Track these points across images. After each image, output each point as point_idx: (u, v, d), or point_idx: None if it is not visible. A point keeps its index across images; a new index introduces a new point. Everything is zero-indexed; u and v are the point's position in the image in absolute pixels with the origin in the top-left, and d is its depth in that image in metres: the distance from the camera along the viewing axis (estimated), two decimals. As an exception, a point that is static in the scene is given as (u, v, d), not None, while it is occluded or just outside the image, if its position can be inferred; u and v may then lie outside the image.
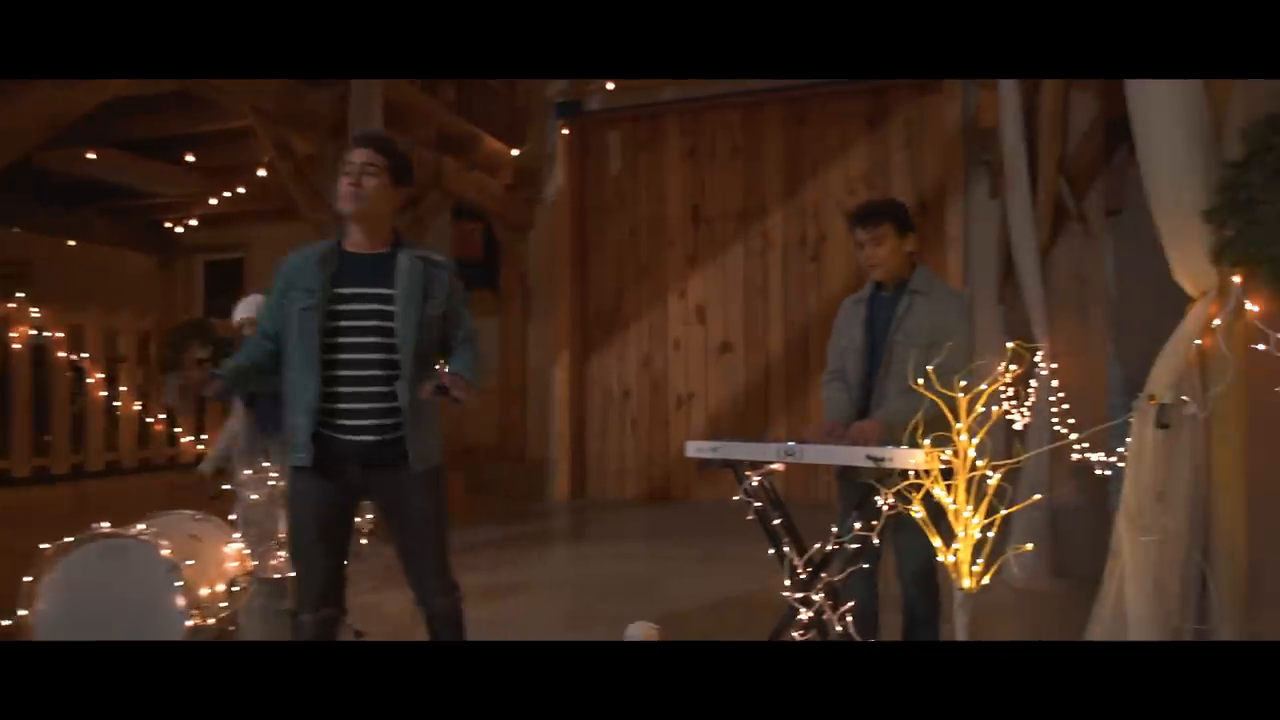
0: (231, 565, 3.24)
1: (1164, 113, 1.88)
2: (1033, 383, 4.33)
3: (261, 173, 6.70)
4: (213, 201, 7.90)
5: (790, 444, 2.51)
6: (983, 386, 2.03)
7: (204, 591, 3.01)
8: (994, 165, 7.16)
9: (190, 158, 6.66)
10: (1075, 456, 2.97)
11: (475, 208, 7.84)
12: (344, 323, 2.31)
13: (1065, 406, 3.88)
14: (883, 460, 2.25)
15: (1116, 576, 1.97)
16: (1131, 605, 1.91)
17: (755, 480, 2.61)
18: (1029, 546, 2.02)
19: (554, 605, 4.34)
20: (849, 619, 2.42)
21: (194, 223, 9.11)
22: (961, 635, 1.96)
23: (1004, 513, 1.93)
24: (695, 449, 2.72)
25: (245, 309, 3.92)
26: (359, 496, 2.52)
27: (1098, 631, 2.00)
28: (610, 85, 7.90)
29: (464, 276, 8.73)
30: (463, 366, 2.41)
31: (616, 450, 8.56)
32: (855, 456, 2.35)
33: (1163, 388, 1.95)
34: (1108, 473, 2.66)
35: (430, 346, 2.41)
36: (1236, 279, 1.88)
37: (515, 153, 7.93)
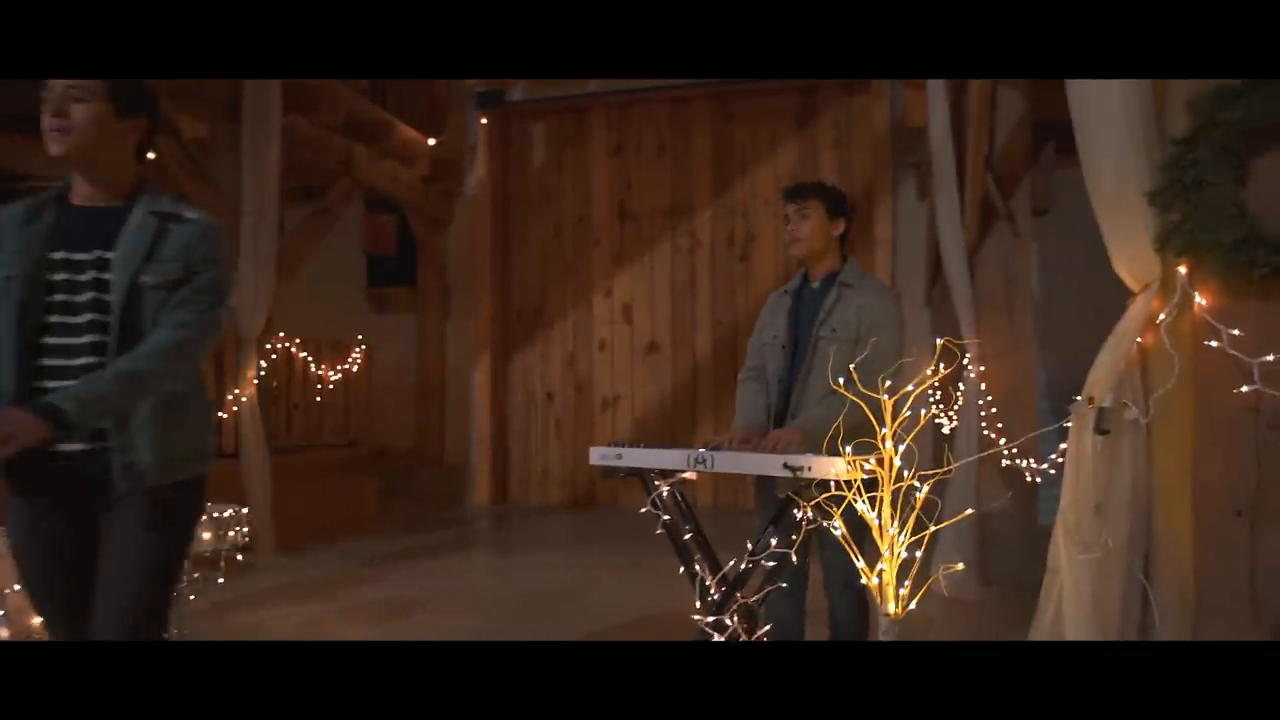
0: None
1: (1103, 88, 1.70)
2: (960, 385, 4.21)
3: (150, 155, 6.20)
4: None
5: (701, 451, 2.27)
6: (910, 388, 1.82)
7: None
8: (922, 167, 7.12)
9: None
10: (1005, 463, 2.82)
11: (389, 199, 7.44)
12: (56, 296, 1.77)
13: (994, 411, 3.76)
14: (801, 469, 2.02)
15: (1054, 596, 1.79)
16: (1070, 625, 1.73)
17: (665, 490, 2.36)
18: (959, 566, 1.82)
19: (458, 623, 4.02)
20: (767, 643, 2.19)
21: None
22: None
23: (932, 529, 1.72)
24: (600, 455, 2.46)
25: None
26: (89, 526, 1.82)
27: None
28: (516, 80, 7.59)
29: (378, 272, 8.05)
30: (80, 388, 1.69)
31: (540, 454, 8.26)
32: (772, 465, 2.12)
33: (1102, 390, 1.78)
34: (1038, 480, 2.48)
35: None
36: (1182, 269, 1.71)
37: (432, 142, 7.56)
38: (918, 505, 1.75)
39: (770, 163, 7.87)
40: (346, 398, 6.78)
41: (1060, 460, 2.21)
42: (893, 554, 1.74)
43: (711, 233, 7.93)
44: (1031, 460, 2.58)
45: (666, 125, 8.08)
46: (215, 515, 3.21)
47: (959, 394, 4.19)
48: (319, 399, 6.34)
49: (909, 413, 1.81)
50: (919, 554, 1.75)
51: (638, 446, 2.43)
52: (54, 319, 1.76)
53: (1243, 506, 1.73)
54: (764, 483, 2.44)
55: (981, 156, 4.14)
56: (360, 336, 6.98)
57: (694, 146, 8.01)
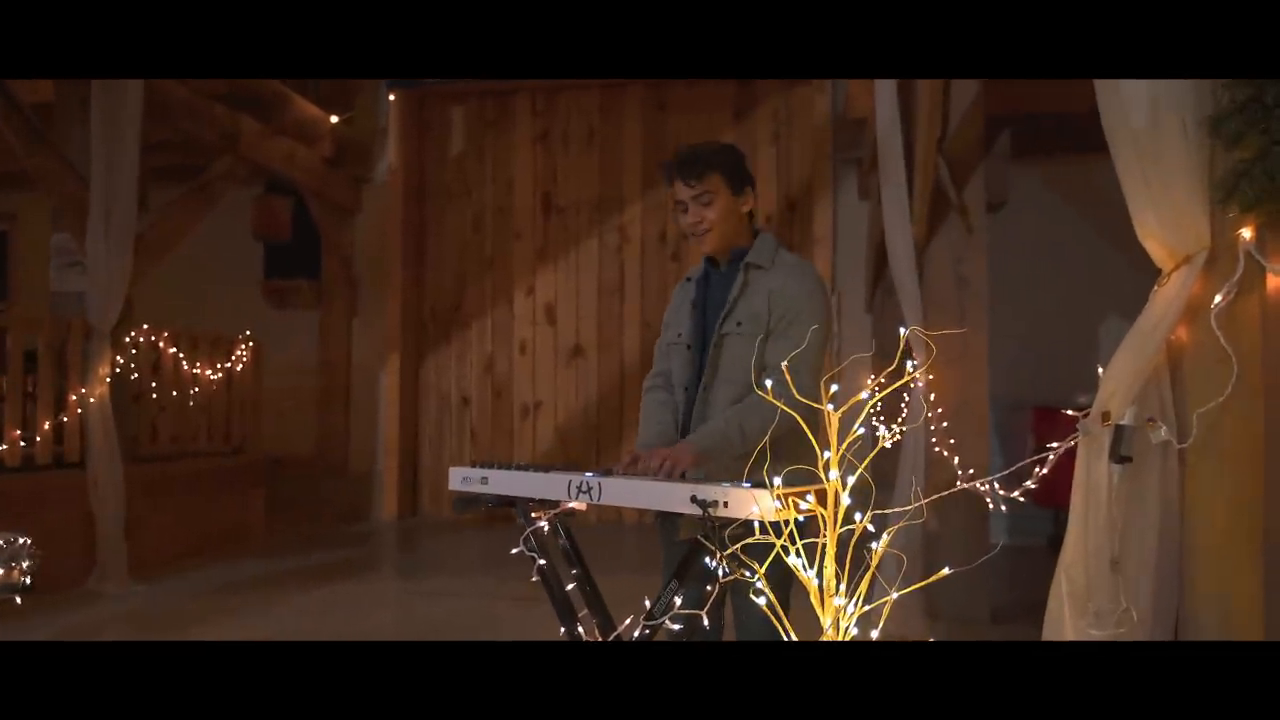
0: None
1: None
2: (905, 396, 3.76)
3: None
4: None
5: (588, 476, 1.71)
6: (864, 395, 1.31)
7: None
8: (864, 164, 6.74)
9: None
10: (959, 484, 2.36)
11: (286, 182, 6.74)
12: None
13: (945, 425, 3.31)
14: (713, 504, 1.48)
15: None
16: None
17: (544, 524, 1.80)
18: (947, 570, 1.32)
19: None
20: None
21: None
22: None
23: (894, 595, 1.21)
24: (460, 479, 1.89)
25: None
26: None
27: None
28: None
29: (277, 263, 7.22)
30: None
31: (454, 464, 7.60)
32: (675, 499, 1.58)
33: (1121, 403, 1.28)
34: (1003, 508, 2.00)
35: None
36: (1246, 232, 1.22)
37: (335, 120, 6.88)
38: (875, 561, 1.24)
39: (706, 156, 7.41)
40: (229, 400, 6.04)
41: (1033, 485, 1.74)
42: (837, 629, 1.23)
43: (642, 228, 7.44)
44: (995, 483, 2.09)
45: (596, 113, 7.56)
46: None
47: (904, 405, 3.75)
48: (192, 401, 5.59)
49: (860, 430, 1.29)
50: (857, 624, 1.24)
51: (509, 468, 1.87)
52: None
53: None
54: (665, 519, 1.90)
55: (934, 141, 3.70)
56: (248, 332, 6.25)
57: (625, 136, 7.51)
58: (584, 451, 7.31)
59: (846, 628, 1.23)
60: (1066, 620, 1.33)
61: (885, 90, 3.91)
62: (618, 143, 7.54)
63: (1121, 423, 1.31)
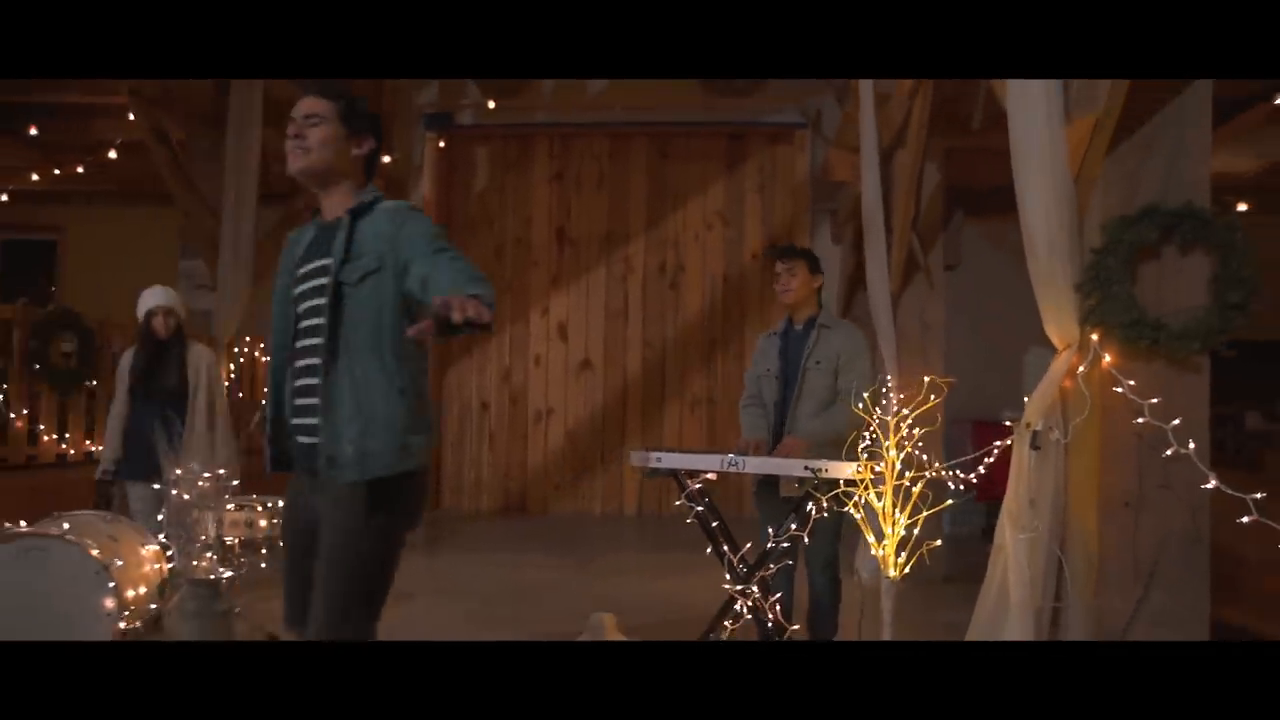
0: (151, 567, 3.15)
1: (1041, 206, 2.43)
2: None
3: (112, 154, 6.28)
4: (35, 178, 7.27)
5: (732, 456, 2.88)
6: (905, 412, 2.50)
7: (130, 594, 2.92)
8: (838, 214, 8.02)
9: (34, 131, 6.14)
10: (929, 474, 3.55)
11: (343, 212, 7.71)
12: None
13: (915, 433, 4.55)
14: (820, 470, 2.67)
15: (1000, 563, 2.49)
16: (1011, 587, 2.42)
17: (696, 487, 2.96)
18: (938, 542, 2.49)
19: (452, 608, 4.45)
20: (778, 608, 2.82)
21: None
22: (887, 615, 2.40)
23: (926, 513, 2.40)
24: (639, 459, 3.03)
25: (151, 298, 3.80)
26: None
27: (986, 605, 2.50)
28: (491, 104, 8.06)
29: None
30: (452, 279, 1.79)
31: (474, 462, 8.64)
32: (794, 468, 2.76)
33: (1035, 417, 2.50)
34: (962, 489, 3.18)
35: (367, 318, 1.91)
36: (1094, 336, 2.46)
37: (387, 159, 7.87)
38: (915, 495, 2.41)
39: (700, 200, 8.61)
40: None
41: (973, 477, 2.92)
42: (893, 532, 2.40)
43: (644, 260, 8.57)
44: (958, 472, 3.30)
45: (606, 158, 8.67)
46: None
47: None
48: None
49: (908, 428, 2.48)
50: (916, 531, 2.41)
51: (674, 452, 3.02)
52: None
53: (1130, 500, 2.50)
54: (766, 483, 3.08)
55: (909, 220, 4.96)
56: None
57: (631, 179, 8.65)
58: (590, 453, 8.41)
59: (897, 531, 2.39)
60: (1006, 530, 2.51)
61: (870, 170, 5.16)
62: (624, 185, 8.67)
63: (1036, 428, 2.52)
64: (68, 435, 4.73)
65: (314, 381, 1.94)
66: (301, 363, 2.00)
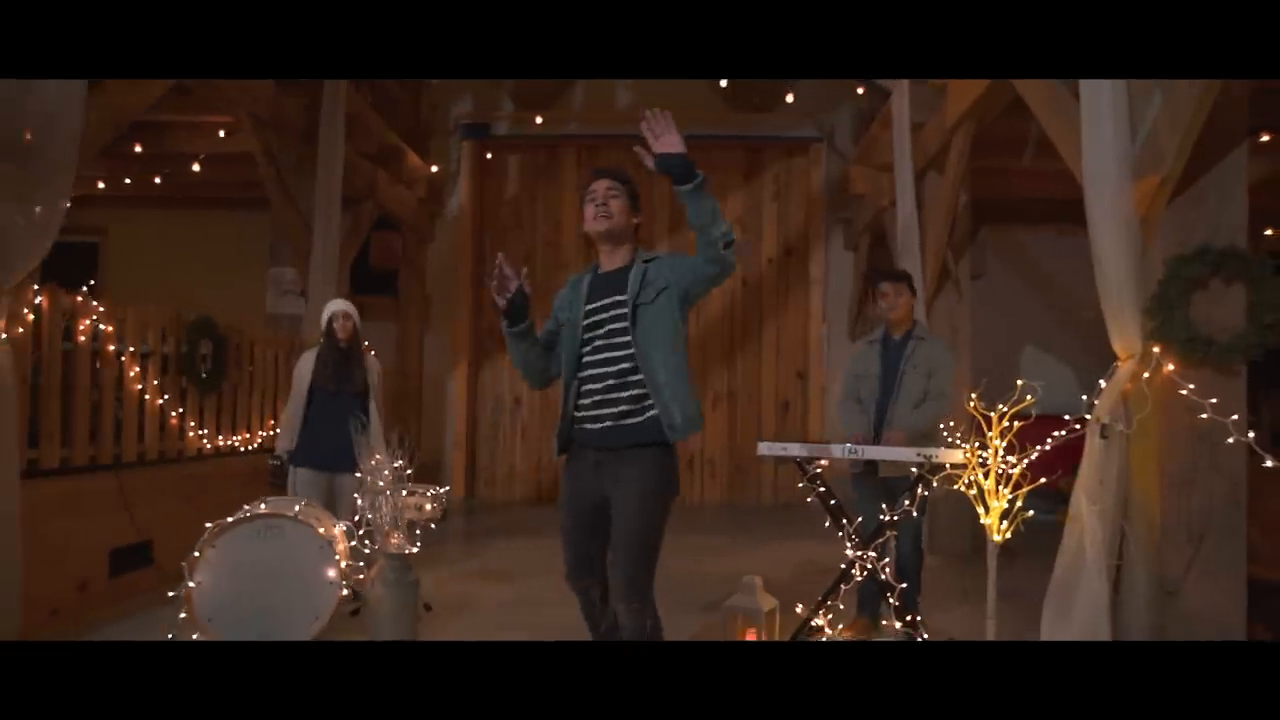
0: (344, 544, 3.63)
1: (1110, 248, 3.07)
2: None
3: (195, 167, 6.65)
4: (101, 186, 7.60)
5: (849, 445, 3.47)
6: (1002, 407, 3.10)
7: (343, 565, 3.42)
8: (854, 223, 8.66)
9: (138, 148, 6.48)
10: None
11: (392, 218, 8.15)
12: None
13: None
14: (932, 457, 3.27)
15: (1075, 531, 3.11)
16: (1087, 546, 3.04)
17: (818, 471, 3.55)
18: (1030, 513, 3.10)
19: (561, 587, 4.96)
20: (889, 569, 3.42)
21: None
22: (992, 572, 3.01)
23: (1025, 489, 3.00)
24: (767, 449, 3.60)
25: (332, 305, 4.29)
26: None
27: (1064, 562, 3.12)
28: (539, 119, 8.53)
29: (362, 282, 8.91)
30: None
31: (506, 455, 9.13)
32: (908, 455, 3.36)
33: (1104, 413, 3.13)
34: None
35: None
36: (1156, 349, 3.10)
37: (435, 169, 8.33)
38: (1016, 475, 3.01)
39: (720, 208, 9.16)
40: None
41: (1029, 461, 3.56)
42: (997, 504, 3.00)
43: (668, 265, 9.11)
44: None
45: (631, 168, 9.17)
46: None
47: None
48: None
49: (1005, 424, 3.08)
50: (1018, 504, 3.01)
51: (798, 443, 3.60)
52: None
53: (1184, 482, 3.17)
54: (868, 469, 3.69)
55: (945, 236, 5.60)
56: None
57: (654, 188, 9.18)
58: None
59: (1000, 504, 2.99)
60: (1082, 503, 3.13)
61: (905, 196, 5.79)
62: (647, 192, 9.14)
63: (1105, 421, 3.15)
64: (204, 430, 5.15)
65: (613, 382, 2.55)
66: (595, 371, 2.61)
